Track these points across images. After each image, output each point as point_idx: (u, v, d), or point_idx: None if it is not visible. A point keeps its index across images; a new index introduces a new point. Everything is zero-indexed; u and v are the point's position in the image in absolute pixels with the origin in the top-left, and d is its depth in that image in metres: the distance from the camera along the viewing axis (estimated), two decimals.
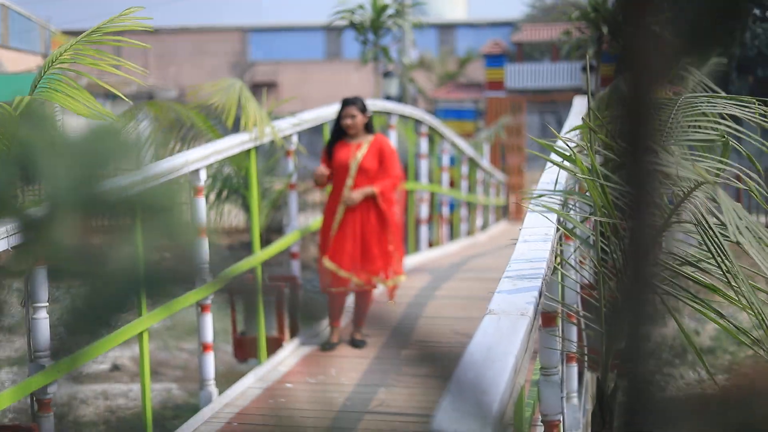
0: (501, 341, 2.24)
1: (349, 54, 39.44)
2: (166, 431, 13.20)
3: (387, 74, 12.99)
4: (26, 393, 4.06)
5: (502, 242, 14.66)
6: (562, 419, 3.81)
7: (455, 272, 10.43)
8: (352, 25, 12.51)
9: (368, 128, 7.01)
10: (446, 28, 39.51)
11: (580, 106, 7.37)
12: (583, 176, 3.17)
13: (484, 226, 17.16)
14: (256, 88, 38.93)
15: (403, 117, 11.28)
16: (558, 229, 3.57)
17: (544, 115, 36.29)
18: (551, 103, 32.65)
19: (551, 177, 4.31)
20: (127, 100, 5.17)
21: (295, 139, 7.32)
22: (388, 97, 13.04)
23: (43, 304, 4.16)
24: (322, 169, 6.90)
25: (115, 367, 16.35)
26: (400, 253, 7.16)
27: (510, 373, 1.97)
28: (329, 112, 8.03)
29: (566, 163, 3.99)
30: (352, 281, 6.89)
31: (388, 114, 10.13)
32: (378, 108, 9.83)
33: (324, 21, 40.12)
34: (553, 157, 4.32)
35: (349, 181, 6.86)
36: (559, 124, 35.79)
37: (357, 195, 6.80)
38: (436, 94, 24.46)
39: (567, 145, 3.68)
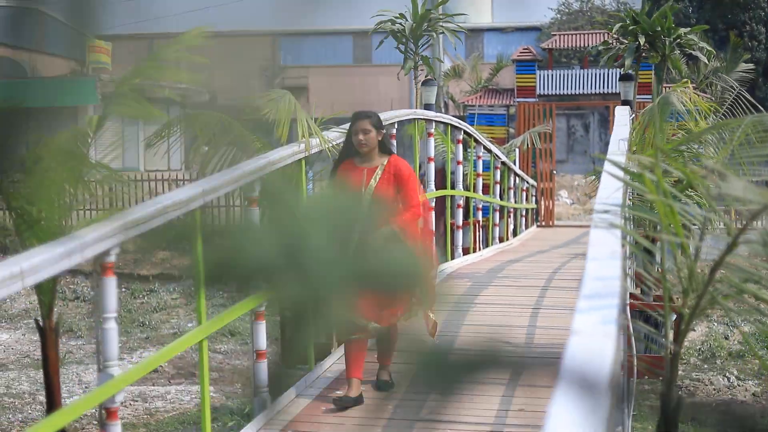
0: (590, 362, 2.31)
1: (378, 59, 39.52)
2: None
3: (426, 82, 13.08)
4: (96, 403, 4.17)
5: (533, 247, 14.75)
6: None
7: (493, 278, 10.51)
8: (393, 34, 12.62)
9: (383, 148, 6.08)
10: (473, 33, 39.56)
11: (623, 117, 7.42)
12: (653, 196, 3.23)
13: (516, 231, 17.23)
14: None
15: (440, 124, 11.38)
16: (623, 246, 3.64)
17: (570, 119, 36.25)
18: (576, 108, 32.63)
19: (610, 193, 4.39)
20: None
21: None
22: (427, 106, 13.14)
23: (111, 315, 4.26)
24: None
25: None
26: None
27: (608, 395, 2.05)
28: None
29: (617, 179, 4.06)
30: (370, 326, 5.95)
31: (428, 122, 10.24)
32: (419, 116, 9.95)
33: (353, 27, 40.40)
34: (611, 168, 4.40)
35: None
36: (586, 129, 35.76)
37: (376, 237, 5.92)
38: (466, 100, 24.53)
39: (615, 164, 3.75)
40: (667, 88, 13.41)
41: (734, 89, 6.73)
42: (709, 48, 12.92)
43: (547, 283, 10.05)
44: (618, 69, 22.73)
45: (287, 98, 6.40)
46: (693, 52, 11.88)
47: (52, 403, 4.05)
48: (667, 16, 11.54)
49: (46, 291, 3.94)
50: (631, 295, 7.27)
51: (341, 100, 38.89)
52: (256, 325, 5.84)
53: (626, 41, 12.12)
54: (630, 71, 12.49)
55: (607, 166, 4.93)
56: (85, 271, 19.65)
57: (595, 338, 2.49)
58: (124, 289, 22.44)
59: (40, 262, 3.60)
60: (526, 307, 8.77)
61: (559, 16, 37.57)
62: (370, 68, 39.65)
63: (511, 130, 24.27)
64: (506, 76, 28.68)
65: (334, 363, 6.95)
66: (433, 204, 11.20)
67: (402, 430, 5.59)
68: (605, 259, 3.28)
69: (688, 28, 11.88)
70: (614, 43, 12.97)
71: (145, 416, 13.48)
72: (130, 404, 14.28)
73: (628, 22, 11.87)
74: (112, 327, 4.27)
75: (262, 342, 5.84)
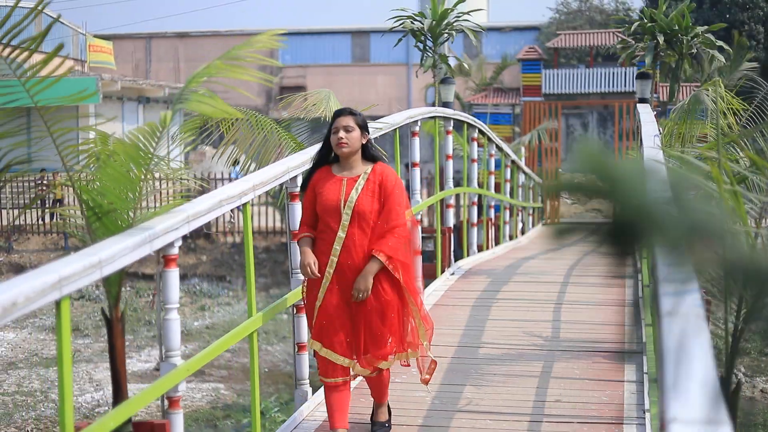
0: (690, 340, 2.41)
1: (377, 58, 39.63)
2: (219, 431, 13.45)
3: (445, 80, 13.19)
4: (161, 393, 4.25)
5: (542, 245, 14.88)
6: None
7: (511, 275, 10.63)
8: (412, 33, 12.75)
9: (367, 155, 5.07)
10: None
11: (648, 114, 7.54)
12: (725, 186, 3.34)
13: (524, 229, 17.40)
14: (285, 92, 39.25)
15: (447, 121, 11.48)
16: None
17: (569, 119, 36.45)
18: (575, 108, 32.75)
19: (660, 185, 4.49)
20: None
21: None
22: (446, 104, 13.27)
23: (174, 305, 4.35)
24: (308, 259, 4.92)
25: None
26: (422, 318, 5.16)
27: (710, 361, 2.15)
28: (398, 119, 8.25)
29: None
30: (354, 369, 5.06)
31: (446, 120, 10.35)
32: (439, 114, 10.06)
33: (352, 25, 40.49)
34: (656, 157, 4.51)
35: (341, 232, 4.93)
36: (585, 129, 35.91)
37: (366, 282, 4.88)
38: (472, 99, 24.68)
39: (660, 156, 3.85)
40: (688, 87, 13.55)
41: (763, 87, 6.83)
42: (727, 47, 13.09)
43: (566, 279, 10.18)
44: (626, 68, 22.95)
45: (331, 96, 6.52)
46: (711, 51, 12.04)
47: (119, 393, 4.13)
48: (684, 15, 11.69)
49: (114, 282, 4.03)
50: None
51: (339, 100, 39.05)
52: (297, 318, 5.93)
53: (642, 40, 12.22)
54: (647, 70, 12.64)
55: (649, 156, 5.05)
56: None
57: (688, 320, 2.59)
58: (129, 288, 22.53)
59: (116, 252, 3.69)
60: (549, 303, 8.89)
61: (557, 15, 37.75)
62: (368, 67, 39.78)
63: (517, 129, 24.43)
64: (507, 75, 28.84)
65: None
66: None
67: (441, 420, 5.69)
68: None
69: (705, 27, 12.04)
70: (631, 42, 13.05)
71: (158, 414, 13.57)
72: None
73: (645, 20, 12.00)
74: (174, 317, 4.35)
75: (304, 335, 5.93)
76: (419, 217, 9.09)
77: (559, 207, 23.34)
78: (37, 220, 24.58)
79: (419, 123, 8.95)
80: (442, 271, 10.03)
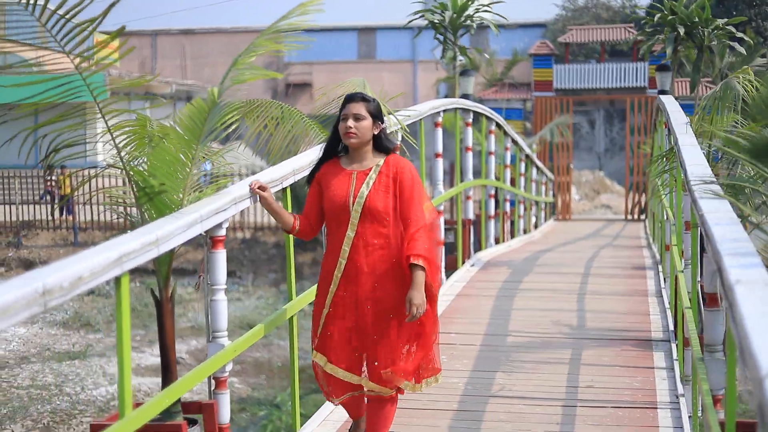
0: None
1: (382, 55, 39.66)
2: (234, 425, 13.50)
3: (464, 72, 13.25)
4: (209, 373, 4.29)
5: (556, 239, 14.94)
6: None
7: (531, 267, 10.68)
8: (432, 25, 12.81)
9: (379, 146, 4.46)
10: (477, 29, 39.72)
11: (674, 104, 7.57)
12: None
13: (537, 224, 17.46)
14: (291, 89, 39.27)
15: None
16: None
17: (575, 116, 36.49)
18: (581, 104, 32.80)
19: (700, 170, 4.52)
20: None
21: (399, 135, 7.55)
22: (465, 96, 13.32)
23: (221, 286, 4.38)
24: (259, 184, 4.49)
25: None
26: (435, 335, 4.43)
27: None
28: (423, 109, 8.29)
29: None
30: (366, 385, 4.37)
31: (465, 112, 10.39)
32: (460, 106, 10.10)
33: (358, 22, 40.54)
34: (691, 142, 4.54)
35: (350, 232, 4.34)
36: (591, 126, 35.94)
37: (422, 295, 4.21)
38: (483, 94, 24.71)
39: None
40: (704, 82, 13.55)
41: None
42: (748, 39, 13.15)
43: (586, 271, 10.23)
44: (637, 63, 22.97)
45: (365, 84, 6.55)
46: (731, 44, 12.09)
47: (168, 373, 4.17)
48: (705, 7, 11.75)
49: (164, 261, 4.07)
50: None
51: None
52: None
53: (662, 33, 12.24)
54: (667, 60, 12.72)
55: (684, 141, 5.09)
56: None
57: (760, 287, 2.62)
58: (139, 284, 22.56)
59: (172, 231, 3.74)
60: (572, 293, 8.94)
61: (564, 12, 37.79)
62: (374, 64, 39.82)
63: (528, 125, 24.46)
64: (516, 71, 28.87)
65: None
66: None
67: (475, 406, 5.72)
68: (727, 224, 3.42)
69: (725, 19, 12.09)
70: (647, 36, 13.05)
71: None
72: (154, 394, 14.40)
73: (666, 12, 12.04)
74: (221, 299, 4.39)
75: None
76: (440, 208, 9.13)
77: (571, 202, 23.38)
78: (46, 215, 24.63)
79: (441, 114, 8.99)
80: (463, 263, 10.08)
